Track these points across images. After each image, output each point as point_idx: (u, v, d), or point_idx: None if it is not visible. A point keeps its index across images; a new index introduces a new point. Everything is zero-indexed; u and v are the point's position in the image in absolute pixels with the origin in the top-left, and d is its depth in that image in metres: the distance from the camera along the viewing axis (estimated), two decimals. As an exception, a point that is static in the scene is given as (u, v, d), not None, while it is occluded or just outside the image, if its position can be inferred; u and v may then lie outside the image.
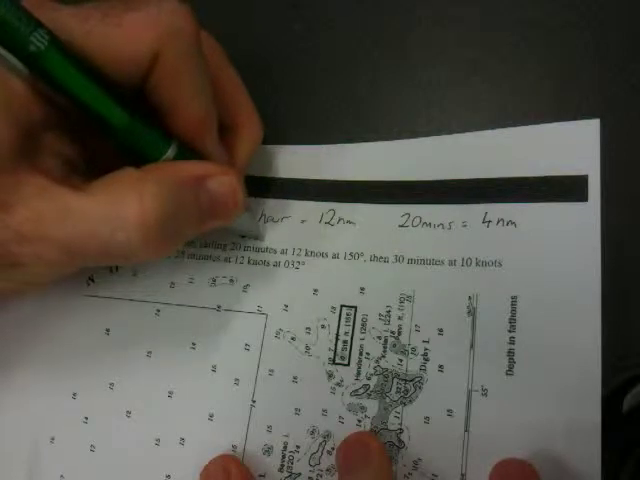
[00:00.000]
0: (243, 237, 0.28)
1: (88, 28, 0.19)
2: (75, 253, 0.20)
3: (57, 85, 0.19)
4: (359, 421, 0.24)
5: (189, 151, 0.22)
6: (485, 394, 0.23)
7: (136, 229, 0.19)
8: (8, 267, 0.20)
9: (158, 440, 0.26)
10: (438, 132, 0.28)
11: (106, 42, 0.20)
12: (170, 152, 0.21)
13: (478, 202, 0.25)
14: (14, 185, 0.19)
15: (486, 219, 0.25)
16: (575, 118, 0.25)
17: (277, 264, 0.27)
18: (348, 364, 0.25)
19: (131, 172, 0.20)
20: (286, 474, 0.24)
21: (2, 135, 0.19)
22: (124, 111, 0.20)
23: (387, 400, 0.24)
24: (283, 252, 0.27)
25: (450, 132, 0.27)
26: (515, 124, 0.26)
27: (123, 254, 0.20)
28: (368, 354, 0.25)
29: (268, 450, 0.25)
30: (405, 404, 0.24)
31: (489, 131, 0.26)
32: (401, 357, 0.24)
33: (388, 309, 0.25)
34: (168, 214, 0.20)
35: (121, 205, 0.19)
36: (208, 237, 0.28)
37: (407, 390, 0.24)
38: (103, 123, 0.20)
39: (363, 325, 0.25)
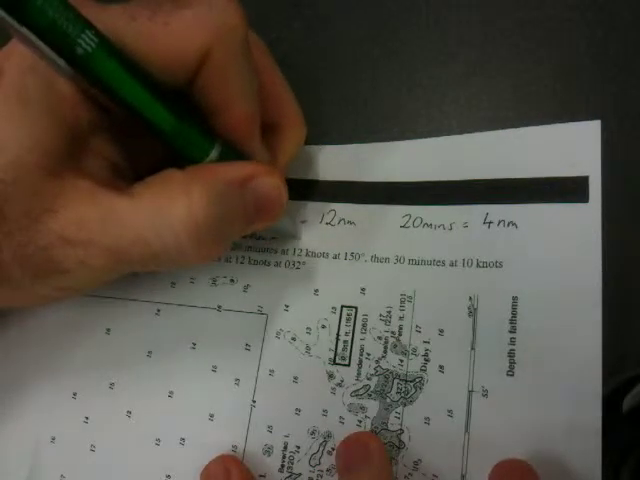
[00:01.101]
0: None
1: (136, 27, 0.19)
2: (121, 258, 0.19)
3: (104, 87, 0.19)
4: (359, 421, 0.24)
5: (232, 151, 0.22)
6: (485, 395, 0.23)
7: (185, 231, 0.19)
8: (52, 273, 0.19)
9: (158, 440, 0.26)
10: (438, 132, 0.28)
11: (154, 42, 0.19)
12: (214, 153, 0.21)
13: (479, 203, 0.25)
14: (59, 189, 0.19)
15: (487, 220, 0.25)
16: (575, 118, 0.25)
17: (278, 264, 0.27)
18: (348, 364, 0.25)
19: (176, 174, 0.20)
20: (286, 474, 0.24)
21: (48, 138, 0.19)
22: (171, 114, 0.20)
23: (387, 400, 0.24)
24: (284, 252, 0.27)
25: (450, 132, 0.27)
26: (515, 124, 0.26)
27: (171, 258, 0.20)
28: (369, 354, 0.25)
29: (268, 450, 0.25)
30: (405, 404, 0.24)
31: (490, 132, 0.26)
32: (401, 357, 0.24)
33: (389, 309, 0.25)
34: (216, 215, 0.20)
35: (168, 208, 0.19)
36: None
37: (407, 390, 0.24)
38: (150, 125, 0.20)
39: (364, 325, 0.25)
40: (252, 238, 0.28)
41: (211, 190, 0.20)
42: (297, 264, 0.27)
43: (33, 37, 0.17)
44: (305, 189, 0.28)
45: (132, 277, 0.28)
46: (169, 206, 0.19)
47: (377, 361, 0.25)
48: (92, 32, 0.17)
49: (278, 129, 0.25)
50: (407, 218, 0.26)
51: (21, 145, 0.18)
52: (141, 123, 0.20)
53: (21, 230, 0.19)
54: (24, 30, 0.16)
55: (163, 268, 0.24)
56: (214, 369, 0.26)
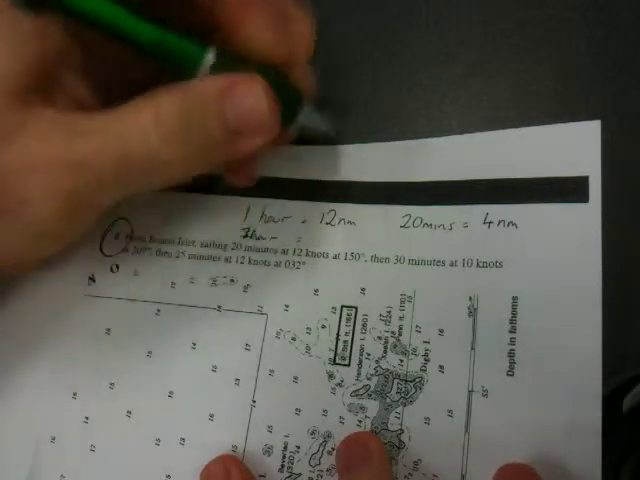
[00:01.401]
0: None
1: None
2: (87, 172, 0.18)
3: (76, 13, 0.18)
4: (359, 421, 0.24)
5: (232, 56, 0.21)
6: (485, 395, 0.23)
7: (152, 130, 0.18)
8: (15, 205, 0.19)
9: (158, 440, 0.26)
10: (438, 132, 0.28)
11: None
12: (209, 59, 0.20)
13: (479, 203, 0.25)
14: (23, 114, 0.19)
15: (487, 220, 0.25)
16: (575, 118, 0.25)
17: (278, 264, 0.27)
18: (349, 364, 0.25)
19: (146, 95, 0.19)
20: (286, 474, 0.24)
21: (16, 67, 0.19)
22: (151, 24, 0.19)
23: (387, 400, 0.24)
24: (284, 252, 0.27)
25: (450, 132, 0.27)
26: (515, 124, 0.26)
27: (142, 163, 0.19)
28: (369, 354, 0.25)
29: (268, 450, 0.25)
30: (405, 404, 0.24)
31: (490, 132, 0.26)
32: (402, 357, 0.24)
33: (389, 309, 0.25)
34: (188, 119, 0.19)
35: (134, 115, 0.19)
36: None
37: (407, 390, 0.24)
38: (131, 41, 0.19)
39: (364, 325, 0.25)
40: (252, 238, 0.28)
41: (181, 101, 0.19)
42: (297, 264, 0.27)
43: None
44: (305, 189, 0.28)
45: (133, 277, 0.28)
46: (135, 112, 0.19)
47: (377, 361, 0.25)
48: None
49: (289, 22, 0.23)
50: (407, 218, 0.26)
51: None
52: (121, 41, 0.19)
53: None
54: None
55: (140, 182, 0.21)
56: (214, 369, 0.26)
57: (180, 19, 0.20)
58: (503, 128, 0.26)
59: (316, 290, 0.26)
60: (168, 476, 0.25)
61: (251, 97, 0.20)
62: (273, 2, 0.22)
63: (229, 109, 0.20)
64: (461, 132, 0.27)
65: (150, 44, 0.19)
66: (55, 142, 0.18)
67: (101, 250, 0.29)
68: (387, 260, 0.26)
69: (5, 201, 0.18)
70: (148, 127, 0.18)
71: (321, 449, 0.24)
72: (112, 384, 0.27)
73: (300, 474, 0.24)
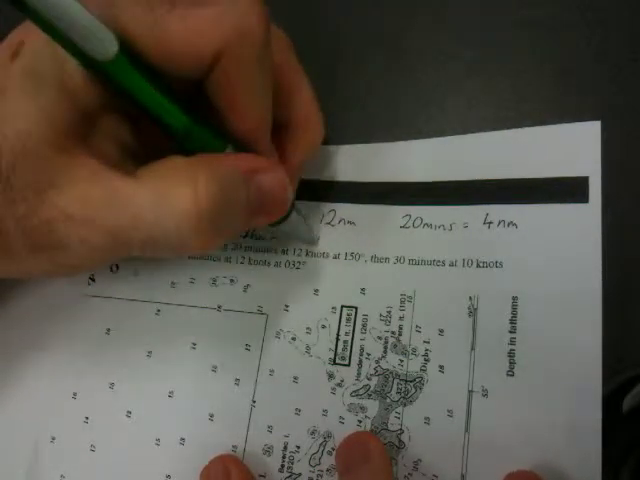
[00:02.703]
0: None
1: (153, 18, 0.19)
2: (120, 240, 0.19)
3: (121, 88, 0.19)
4: (359, 421, 0.24)
5: (242, 151, 0.22)
6: (485, 395, 0.23)
7: (187, 218, 0.19)
8: (52, 248, 0.20)
9: (158, 440, 0.26)
10: (438, 132, 0.28)
11: (169, 34, 0.19)
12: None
13: (479, 203, 0.25)
14: (66, 165, 0.19)
15: (487, 220, 0.25)
16: (575, 118, 0.25)
17: (278, 264, 0.27)
18: (348, 364, 0.25)
19: (181, 160, 0.20)
20: (286, 474, 0.24)
21: (59, 113, 0.19)
22: (185, 115, 0.20)
23: (387, 400, 0.24)
24: (284, 252, 0.27)
25: (450, 133, 0.27)
26: (515, 124, 0.26)
27: (170, 245, 0.20)
28: (369, 354, 0.25)
29: (268, 450, 0.25)
30: (405, 404, 0.24)
31: (490, 132, 0.26)
32: (402, 357, 0.24)
33: (389, 310, 0.25)
34: (219, 205, 0.19)
35: (172, 192, 0.19)
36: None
37: (407, 390, 0.24)
38: (164, 126, 0.20)
39: (364, 325, 0.25)
40: (252, 238, 0.28)
41: (216, 178, 0.19)
42: (297, 264, 0.27)
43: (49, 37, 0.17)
44: (305, 189, 0.28)
45: (132, 277, 0.28)
46: (173, 191, 0.19)
47: (377, 361, 0.25)
48: (112, 37, 0.18)
49: (292, 129, 0.25)
50: (407, 218, 0.26)
51: (32, 118, 0.18)
52: (155, 124, 0.20)
53: (25, 201, 0.19)
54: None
55: (161, 255, 0.23)
56: (214, 369, 0.26)
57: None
58: (503, 128, 0.26)
59: (316, 290, 0.26)
60: (168, 476, 0.25)
61: (276, 180, 0.22)
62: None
63: (254, 191, 0.21)
64: (461, 132, 0.27)
65: (180, 132, 0.20)
66: (95, 203, 0.19)
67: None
68: (387, 260, 0.26)
69: (47, 242, 0.19)
70: (184, 218, 0.19)
71: (321, 449, 0.24)
72: (112, 384, 0.27)
73: (300, 474, 0.24)
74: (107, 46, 0.18)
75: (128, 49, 0.18)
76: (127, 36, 0.18)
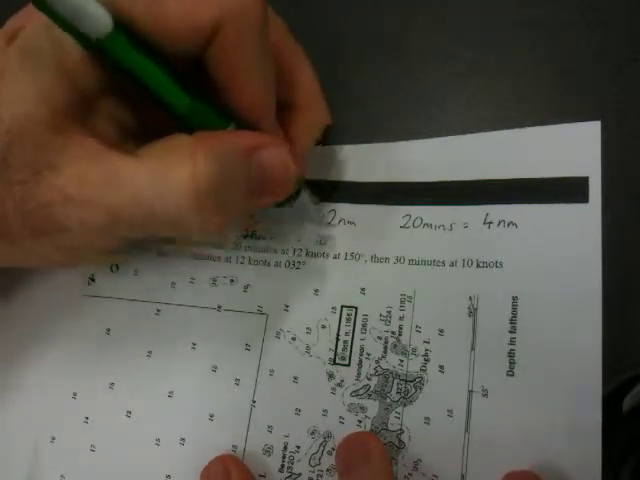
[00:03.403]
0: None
1: None
2: (120, 219, 0.19)
3: (120, 68, 0.19)
4: (359, 421, 0.24)
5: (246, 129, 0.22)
6: (485, 395, 0.23)
7: (186, 194, 0.19)
8: (52, 230, 0.20)
9: (158, 440, 0.26)
10: (438, 132, 0.28)
11: (166, 10, 0.19)
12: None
13: (479, 203, 0.25)
14: (63, 146, 0.19)
15: (487, 220, 0.25)
16: (575, 118, 0.25)
17: (278, 264, 0.27)
18: (348, 364, 0.25)
19: (183, 137, 0.20)
20: (286, 474, 0.24)
21: (57, 94, 0.19)
22: (186, 95, 0.20)
23: (387, 400, 0.24)
24: (284, 252, 0.27)
25: (450, 133, 0.27)
26: (515, 124, 0.26)
27: (171, 222, 0.20)
28: (369, 354, 0.25)
29: (268, 450, 0.25)
30: (405, 404, 0.24)
31: (490, 133, 0.26)
32: (402, 357, 0.24)
33: (389, 310, 0.25)
34: (220, 182, 0.19)
35: (171, 170, 0.19)
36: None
37: (407, 390, 0.24)
38: (164, 105, 0.20)
39: (364, 325, 0.25)
40: (252, 238, 0.28)
41: (216, 156, 0.19)
42: (297, 264, 0.27)
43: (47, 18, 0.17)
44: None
45: (133, 277, 0.28)
46: (173, 168, 0.19)
47: (377, 361, 0.25)
48: (107, 15, 0.18)
49: (296, 109, 0.25)
50: (407, 218, 0.26)
51: (29, 98, 0.18)
52: (156, 104, 0.20)
53: (23, 183, 0.19)
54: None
55: (162, 233, 0.23)
56: (214, 369, 0.26)
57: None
58: (503, 128, 0.26)
59: (316, 290, 0.26)
60: (168, 476, 0.25)
61: (277, 157, 0.21)
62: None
63: (254, 168, 0.21)
64: (461, 132, 0.27)
65: (181, 111, 0.20)
66: (93, 183, 0.19)
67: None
68: (387, 260, 0.26)
69: (47, 225, 0.19)
70: (183, 195, 0.19)
71: (321, 449, 0.24)
72: (112, 384, 0.27)
73: (300, 474, 0.24)
74: (101, 23, 0.18)
75: (125, 27, 0.18)
76: (124, 14, 0.18)
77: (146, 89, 0.19)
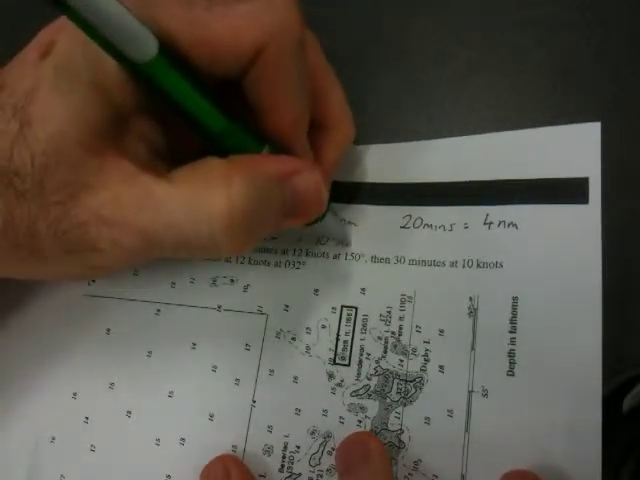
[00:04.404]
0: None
1: (192, 15, 0.18)
2: (153, 242, 0.19)
3: (158, 89, 0.18)
4: (359, 421, 0.24)
5: (279, 151, 0.21)
6: (485, 395, 0.23)
7: (220, 222, 0.19)
8: (85, 251, 0.19)
9: (158, 440, 0.26)
10: (438, 133, 0.28)
11: (208, 32, 0.18)
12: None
13: (479, 204, 0.25)
14: (98, 167, 0.19)
15: (487, 221, 0.25)
16: (575, 119, 0.25)
17: (278, 264, 0.27)
18: (349, 364, 0.25)
19: (216, 161, 0.20)
20: (286, 474, 0.24)
21: (92, 114, 0.18)
22: (222, 116, 0.19)
23: (387, 400, 0.24)
24: (284, 252, 0.27)
25: (450, 133, 0.27)
26: (515, 124, 0.26)
27: (203, 247, 0.20)
28: (369, 354, 0.25)
29: (268, 450, 0.25)
30: (405, 404, 0.24)
31: (491, 134, 0.26)
32: (402, 358, 0.24)
33: (389, 310, 0.25)
34: (253, 208, 0.19)
35: (205, 194, 0.19)
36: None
37: (407, 391, 0.24)
38: (199, 126, 0.20)
39: (364, 325, 0.25)
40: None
41: (251, 182, 0.19)
42: (297, 264, 0.27)
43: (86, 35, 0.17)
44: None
45: (132, 277, 0.28)
46: (207, 194, 0.19)
47: (377, 361, 0.25)
48: (152, 39, 0.17)
49: (326, 129, 0.25)
50: (407, 219, 0.26)
51: (65, 118, 0.18)
52: (190, 125, 0.20)
53: (58, 204, 0.18)
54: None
55: (194, 256, 0.23)
56: (214, 369, 0.26)
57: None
58: (503, 128, 0.26)
59: (316, 290, 0.26)
60: (168, 476, 0.25)
61: (311, 182, 0.21)
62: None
63: (288, 193, 0.21)
64: (461, 132, 0.27)
65: (217, 134, 0.20)
66: (128, 205, 0.19)
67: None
68: (387, 260, 0.26)
69: (80, 246, 0.19)
70: (217, 220, 0.19)
71: (321, 449, 0.24)
72: (112, 384, 0.27)
73: (300, 474, 0.24)
74: (147, 47, 0.17)
75: (167, 49, 0.18)
76: (166, 35, 0.18)
77: (183, 112, 0.19)
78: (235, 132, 0.20)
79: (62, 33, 0.19)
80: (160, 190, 0.19)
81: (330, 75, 0.25)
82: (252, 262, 0.27)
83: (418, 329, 0.25)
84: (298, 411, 0.25)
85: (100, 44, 0.17)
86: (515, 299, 0.24)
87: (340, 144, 0.25)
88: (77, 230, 0.19)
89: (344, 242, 0.27)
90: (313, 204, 0.22)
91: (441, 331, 0.24)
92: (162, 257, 0.21)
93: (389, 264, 0.26)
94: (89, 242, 0.19)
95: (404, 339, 0.25)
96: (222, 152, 0.20)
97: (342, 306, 0.26)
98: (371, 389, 0.24)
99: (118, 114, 0.19)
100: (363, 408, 0.24)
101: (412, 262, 0.26)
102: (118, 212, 0.19)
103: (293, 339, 0.26)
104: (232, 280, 0.27)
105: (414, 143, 0.28)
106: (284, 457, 0.24)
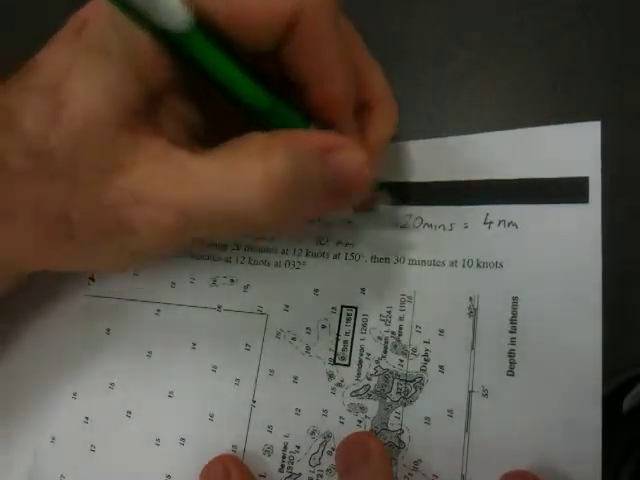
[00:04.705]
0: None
1: None
2: (189, 218, 0.18)
3: (195, 65, 0.18)
4: (359, 421, 0.24)
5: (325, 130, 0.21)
6: (485, 395, 0.23)
7: (259, 191, 0.18)
8: (119, 232, 0.19)
9: (158, 440, 0.26)
10: (438, 132, 0.28)
11: (242, 2, 0.18)
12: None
13: (479, 203, 0.25)
14: (132, 145, 0.18)
15: (487, 220, 0.25)
16: (575, 119, 0.25)
17: (278, 264, 0.27)
18: (349, 364, 0.25)
19: (257, 136, 0.19)
20: (286, 474, 0.24)
21: (125, 92, 0.18)
22: (266, 93, 0.19)
23: (387, 400, 0.24)
24: (284, 252, 0.27)
25: (450, 133, 0.27)
26: (515, 124, 0.26)
27: (242, 221, 0.19)
28: (369, 354, 0.25)
29: (268, 450, 0.25)
30: (405, 405, 0.24)
31: (491, 133, 0.26)
32: (402, 357, 0.24)
33: (389, 310, 0.25)
34: (294, 179, 0.18)
35: (244, 167, 0.18)
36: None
37: (407, 391, 0.24)
38: (244, 104, 0.19)
39: (364, 325, 0.25)
40: (252, 238, 0.28)
41: (291, 154, 0.18)
42: (297, 264, 0.27)
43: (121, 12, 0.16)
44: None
45: (132, 277, 0.28)
46: (245, 165, 0.18)
47: (377, 361, 0.25)
48: (187, 11, 0.17)
49: (369, 110, 0.24)
50: (407, 218, 0.26)
51: (97, 96, 0.18)
52: (231, 102, 0.19)
53: (90, 184, 0.18)
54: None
55: (230, 232, 0.22)
56: (214, 369, 0.26)
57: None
58: (503, 128, 0.26)
59: (316, 290, 0.26)
60: (168, 476, 0.25)
61: (353, 159, 0.20)
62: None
63: (329, 169, 0.20)
64: (461, 132, 0.27)
65: (261, 111, 0.19)
66: (164, 182, 0.18)
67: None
68: (387, 260, 0.26)
69: (111, 228, 0.19)
70: (255, 190, 0.18)
71: (321, 449, 0.24)
72: (112, 384, 0.27)
73: (300, 474, 0.24)
74: (180, 17, 0.17)
75: (202, 22, 0.17)
76: (200, 7, 0.17)
77: (223, 88, 0.19)
78: (280, 110, 0.20)
79: (94, 13, 0.19)
80: (196, 165, 0.18)
81: (367, 53, 0.24)
82: (252, 262, 0.27)
83: (418, 329, 0.25)
84: (298, 411, 0.25)
85: (134, 17, 0.17)
86: (515, 299, 0.24)
87: (386, 123, 0.24)
88: (111, 211, 0.18)
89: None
90: (354, 183, 0.20)
91: (441, 331, 0.24)
92: (198, 235, 0.20)
93: (389, 264, 0.26)
94: (123, 223, 0.19)
95: (404, 339, 0.25)
96: (265, 130, 0.20)
97: (342, 306, 0.26)
98: (371, 389, 0.24)
99: (152, 92, 0.19)
100: (363, 408, 0.24)
101: (412, 262, 0.26)
102: (152, 190, 0.18)
103: (293, 339, 0.26)
104: (232, 280, 0.27)
105: (413, 142, 0.27)
106: (284, 457, 0.24)
